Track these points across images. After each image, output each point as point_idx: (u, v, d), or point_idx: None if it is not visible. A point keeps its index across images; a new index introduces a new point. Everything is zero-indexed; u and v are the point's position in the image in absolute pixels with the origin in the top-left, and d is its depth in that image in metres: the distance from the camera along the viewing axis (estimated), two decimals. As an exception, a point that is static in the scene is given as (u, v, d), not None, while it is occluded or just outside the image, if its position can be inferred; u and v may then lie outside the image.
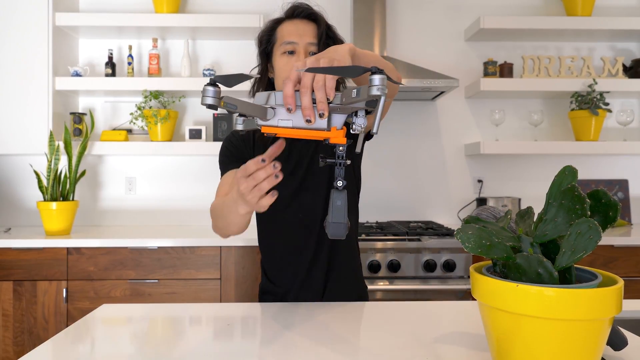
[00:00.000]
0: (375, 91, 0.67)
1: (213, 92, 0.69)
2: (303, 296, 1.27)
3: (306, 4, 1.25)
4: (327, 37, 1.22)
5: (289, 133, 0.78)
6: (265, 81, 1.28)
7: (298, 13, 1.24)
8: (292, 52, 1.21)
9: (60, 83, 2.62)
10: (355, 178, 1.35)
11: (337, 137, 0.76)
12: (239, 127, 0.78)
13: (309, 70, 0.71)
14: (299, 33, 1.21)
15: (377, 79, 0.67)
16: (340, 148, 0.78)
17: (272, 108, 0.76)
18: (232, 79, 0.72)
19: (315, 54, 1.20)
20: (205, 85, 0.69)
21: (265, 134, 0.79)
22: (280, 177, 0.80)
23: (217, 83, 0.70)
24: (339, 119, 0.76)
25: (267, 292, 1.32)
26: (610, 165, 2.98)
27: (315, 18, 1.23)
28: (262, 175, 0.80)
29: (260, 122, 0.77)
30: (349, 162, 0.79)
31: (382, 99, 0.68)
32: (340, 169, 0.79)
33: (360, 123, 0.74)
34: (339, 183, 0.78)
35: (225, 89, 2.68)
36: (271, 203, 0.83)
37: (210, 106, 0.69)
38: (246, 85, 2.54)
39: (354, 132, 0.76)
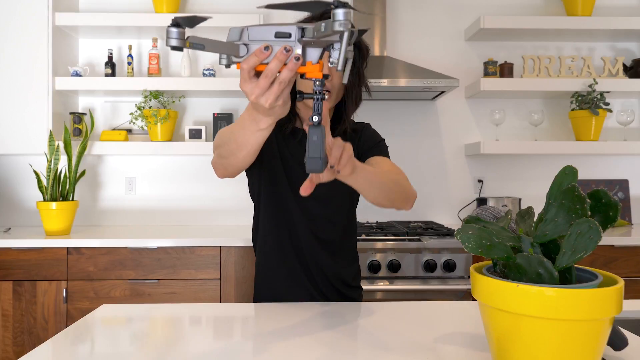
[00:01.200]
0: (337, 26, 0.65)
1: (177, 34, 0.67)
2: (303, 295, 1.27)
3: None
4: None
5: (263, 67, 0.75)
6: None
7: (326, 18, 1.21)
8: None
9: (60, 83, 2.62)
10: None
11: (313, 72, 0.74)
12: (223, 61, 0.75)
13: (269, 6, 0.70)
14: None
15: (339, 13, 0.65)
16: (317, 82, 0.76)
17: (245, 44, 0.73)
18: (193, 20, 0.69)
19: None
20: (168, 27, 0.67)
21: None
22: (301, 59, 0.72)
23: (180, 24, 0.68)
24: (314, 53, 0.74)
25: (264, 292, 1.32)
26: (611, 165, 2.98)
27: None
28: (276, 67, 0.72)
29: (235, 59, 0.74)
30: (327, 96, 0.77)
31: (346, 34, 0.66)
32: (318, 103, 0.76)
33: (336, 56, 0.72)
34: (315, 118, 0.76)
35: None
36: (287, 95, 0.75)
37: (174, 47, 0.67)
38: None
39: (331, 66, 0.74)
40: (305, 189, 0.88)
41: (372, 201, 1.08)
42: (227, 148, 0.97)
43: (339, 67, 0.71)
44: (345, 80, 0.79)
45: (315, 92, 0.77)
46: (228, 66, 0.76)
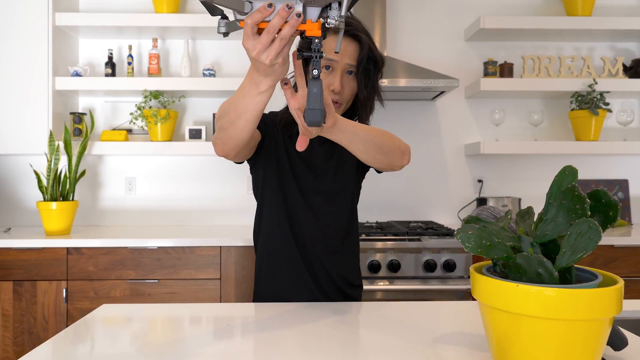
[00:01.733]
0: None
1: None
2: (305, 294, 1.27)
3: (356, 19, 1.23)
4: (368, 58, 1.21)
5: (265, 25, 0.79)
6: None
7: (345, 31, 1.20)
8: (328, 67, 1.20)
9: (60, 83, 2.62)
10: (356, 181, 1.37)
11: (312, 30, 0.77)
12: (222, 29, 0.78)
13: None
14: (341, 52, 1.20)
15: None
16: (316, 40, 0.80)
17: (250, 2, 0.77)
18: None
19: (352, 72, 1.21)
20: None
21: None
22: (302, 16, 0.75)
23: None
24: (313, 12, 0.77)
25: (265, 291, 1.32)
26: (610, 165, 2.98)
27: (360, 39, 1.21)
28: (278, 23, 0.75)
29: (238, 16, 0.78)
30: (325, 54, 0.82)
31: None
32: (317, 60, 0.81)
33: (334, 16, 0.76)
34: (314, 72, 0.81)
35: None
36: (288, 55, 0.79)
37: None
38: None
39: (328, 26, 0.77)
40: (301, 144, 0.90)
41: (366, 158, 1.07)
42: (228, 118, 0.97)
43: (343, 13, 0.74)
44: (337, 49, 0.82)
45: (314, 50, 0.80)
46: (226, 34, 0.79)
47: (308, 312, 1.09)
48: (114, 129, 2.84)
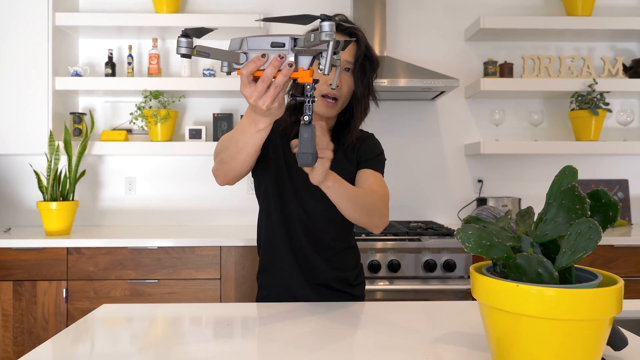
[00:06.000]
0: (324, 37, 0.75)
1: (186, 43, 0.76)
2: (304, 294, 1.28)
3: (350, 20, 1.25)
4: (364, 57, 1.23)
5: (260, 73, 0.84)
6: (297, 85, 1.28)
7: (342, 29, 1.23)
8: None
9: (60, 83, 2.62)
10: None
11: (304, 77, 0.83)
12: (224, 69, 0.84)
13: (266, 19, 0.80)
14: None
15: (326, 25, 0.74)
16: (308, 86, 0.85)
17: (245, 53, 0.83)
18: (201, 31, 0.79)
19: (350, 70, 1.23)
20: (178, 37, 0.77)
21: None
22: (294, 65, 0.81)
23: (189, 34, 0.77)
24: (305, 61, 0.83)
25: (266, 291, 1.32)
26: (610, 165, 2.98)
27: (357, 37, 1.22)
28: (271, 72, 0.80)
29: (235, 66, 0.84)
30: (317, 99, 0.88)
31: (331, 43, 0.76)
32: (309, 105, 0.86)
33: (323, 63, 0.81)
34: (305, 118, 0.86)
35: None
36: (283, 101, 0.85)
37: (184, 55, 0.76)
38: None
39: (320, 72, 0.82)
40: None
41: (346, 215, 1.13)
42: (228, 153, 1.03)
43: (326, 72, 0.79)
44: (334, 85, 0.90)
45: (306, 95, 0.86)
46: (229, 73, 0.85)
47: (308, 311, 1.09)
48: (114, 129, 2.84)
